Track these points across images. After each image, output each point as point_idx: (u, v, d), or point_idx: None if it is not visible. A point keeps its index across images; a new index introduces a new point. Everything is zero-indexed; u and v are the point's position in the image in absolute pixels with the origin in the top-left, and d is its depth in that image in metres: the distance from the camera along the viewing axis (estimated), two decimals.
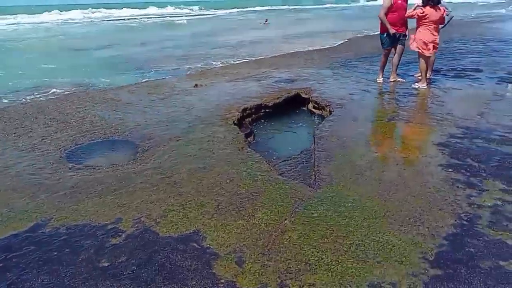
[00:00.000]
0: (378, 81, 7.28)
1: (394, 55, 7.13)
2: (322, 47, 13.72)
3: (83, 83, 9.56)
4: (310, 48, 13.74)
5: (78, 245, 2.78)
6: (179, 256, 2.60)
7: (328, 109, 5.87)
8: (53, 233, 2.94)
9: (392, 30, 6.74)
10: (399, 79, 7.27)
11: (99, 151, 4.60)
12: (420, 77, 6.96)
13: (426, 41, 6.48)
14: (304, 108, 6.53)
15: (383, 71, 7.31)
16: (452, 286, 2.26)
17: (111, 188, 3.59)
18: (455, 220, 2.88)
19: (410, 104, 5.88)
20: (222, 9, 55.70)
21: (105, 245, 2.76)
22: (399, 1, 6.57)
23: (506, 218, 2.88)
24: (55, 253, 2.71)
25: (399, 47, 7.01)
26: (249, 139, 4.92)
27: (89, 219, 3.09)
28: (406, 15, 6.62)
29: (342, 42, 15.06)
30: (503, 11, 28.36)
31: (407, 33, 6.89)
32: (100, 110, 6.20)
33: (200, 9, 57.50)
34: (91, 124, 5.47)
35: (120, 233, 2.89)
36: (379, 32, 7.07)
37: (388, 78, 7.33)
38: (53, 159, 4.35)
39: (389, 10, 6.64)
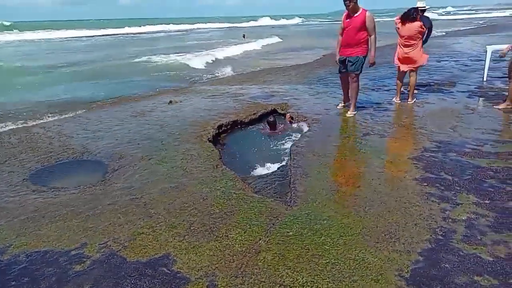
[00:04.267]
0: (339, 107, 6.53)
1: None
2: (298, 63, 13.93)
3: (51, 102, 9.30)
4: (287, 64, 13.93)
5: (39, 274, 2.64)
6: (147, 282, 2.50)
7: (305, 124, 5.92)
8: (12, 261, 2.79)
9: (337, 56, 6.10)
10: (351, 113, 6.12)
11: (66, 172, 4.47)
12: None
13: (396, 56, 6.67)
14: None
15: (345, 94, 6.51)
16: None
17: (76, 211, 3.46)
18: (430, 235, 2.89)
19: (385, 118, 5.98)
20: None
21: (68, 272, 2.64)
22: (347, 20, 5.80)
23: (480, 231, 2.92)
24: (13, 282, 2.57)
25: (350, 75, 6.05)
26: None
27: (52, 245, 2.96)
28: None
29: (318, 58, 15.36)
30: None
31: (356, 58, 5.82)
32: (69, 129, 6.04)
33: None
34: (59, 144, 5.31)
35: (85, 259, 2.76)
36: None
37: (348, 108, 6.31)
38: (16, 182, 4.18)
39: (343, 30, 5.90)
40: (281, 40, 25.40)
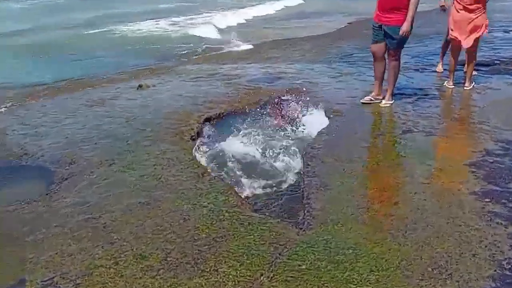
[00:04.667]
0: (362, 101, 6.31)
1: None
2: (315, 34, 13.88)
3: None
4: (300, 35, 13.88)
5: None
6: None
7: None
8: None
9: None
10: (386, 103, 6.16)
11: None
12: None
13: (452, 23, 6.62)
14: None
15: (378, 82, 6.33)
16: None
17: (12, 235, 3.45)
18: (494, 270, 2.88)
19: (433, 110, 5.97)
20: None
21: None
22: None
23: None
24: None
25: (388, 51, 6.09)
26: None
27: None
28: None
29: (342, 26, 15.30)
30: None
31: (395, 29, 5.74)
32: (1, 123, 6.03)
33: None
34: None
35: None
36: None
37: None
38: None
39: None
40: (302, 2, 25.27)
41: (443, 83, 7.10)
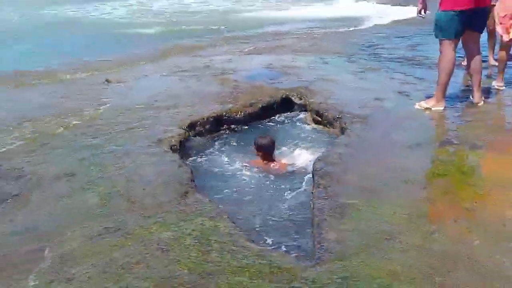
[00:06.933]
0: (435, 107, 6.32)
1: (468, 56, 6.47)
2: (332, 17, 13.87)
3: None
4: (313, 20, 13.87)
5: None
6: None
7: (338, 125, 5.92)
8: None
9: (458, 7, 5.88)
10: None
11: None
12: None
13: (502, 13, 6.67)
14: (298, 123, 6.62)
15: (443, 92, 6.35)
16: None
17: None
18: None
19: (482, 117, 5.96)
20: None
21: None
22: None
23: None
24: None
25: (474, 37, 6.34)
26: None
27: None
28: None
29: (366, 9, 15.33)
30: None
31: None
32: None
33: None
34: None
35: None
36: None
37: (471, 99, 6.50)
38: None
39: None
40: None
41: (492, 83, 7.22)
